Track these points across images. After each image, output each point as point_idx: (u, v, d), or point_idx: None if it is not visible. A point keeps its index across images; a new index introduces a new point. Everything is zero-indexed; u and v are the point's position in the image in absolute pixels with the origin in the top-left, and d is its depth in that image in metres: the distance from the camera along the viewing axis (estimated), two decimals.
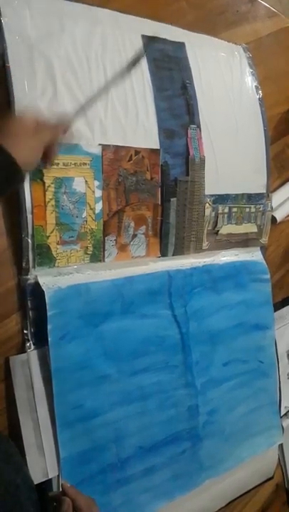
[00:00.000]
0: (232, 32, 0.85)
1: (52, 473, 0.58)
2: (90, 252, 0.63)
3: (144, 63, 0.68)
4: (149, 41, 0.67)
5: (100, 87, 0.62)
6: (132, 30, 0.67)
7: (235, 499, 0.84)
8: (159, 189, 0.69)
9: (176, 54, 0.72)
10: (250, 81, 0.84)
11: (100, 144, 0.62)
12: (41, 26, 0.58)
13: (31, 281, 0.58)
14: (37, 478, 0.57)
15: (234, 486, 0.82)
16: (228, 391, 0.78)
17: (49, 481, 0.58)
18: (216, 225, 0.78)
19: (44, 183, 0.57)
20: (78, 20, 0.62)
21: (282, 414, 0.92)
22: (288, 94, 0.98)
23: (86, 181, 0.61)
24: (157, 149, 0.68)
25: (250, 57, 0.85)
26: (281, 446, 0.94)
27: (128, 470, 0.65)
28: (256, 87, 0.85)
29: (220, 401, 0.77)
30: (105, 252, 0.65)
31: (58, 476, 0.59)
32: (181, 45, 0.73)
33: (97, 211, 0.62)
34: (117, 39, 0.66)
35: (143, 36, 0.68)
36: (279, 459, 0.95)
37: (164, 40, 0.71)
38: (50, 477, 0.58)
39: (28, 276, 0.58)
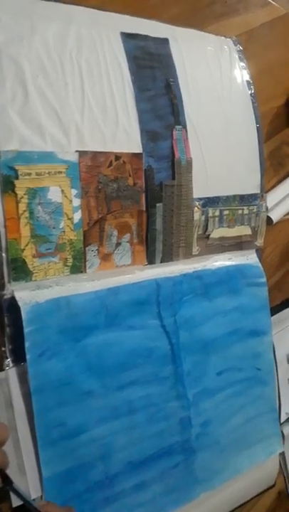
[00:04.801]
0: (221, 24, 0.81)
1: (34, 494, 0.56)
2: (70, 264, 0.60)
3: (123, 62, 0.64)
4: None
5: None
6: (109, 28, 0.64)
7: (236, 509, 0.82)
8: (143, 195, 0.66)
9: (159, 51, 0.68)
10: (241, 76, 0.80)
11: (76, 151, 0.59)
12: (10, 29, 0.55)
13: (7, 296, 0.56)
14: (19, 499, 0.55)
15: (232, 497, 0.80)
16: (223, 401, 0.75)
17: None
18: (206, 229, 0.75)
19: (16, 194, 0.54)
20: (51, 21, 0.59)
21: (282, 420, 0.89)
22: (285, 86, 0.94)
23: (62, 190, 0.58)
24: (140, 153, 0.65)
25: (241, 50, 0.81)
26: (283, 453, 0.91)
27: (117, 486, 0.63)
28: (248, 82, 0.80)
29: (214, 412, 0.74)
30: (87, 262, 0.62)
31: (41, 496, 0.57)
32: (164, 41, 0.70)
33: (75, 221, 0.60)
34: (93, 38, 0.62)
35: (122, 34, 0.65)
36: (280, 465, 0.92)
37: (146, 37, 0.68)
38: (32, 498, 0.56)
39: (4, 292, 0.56)
